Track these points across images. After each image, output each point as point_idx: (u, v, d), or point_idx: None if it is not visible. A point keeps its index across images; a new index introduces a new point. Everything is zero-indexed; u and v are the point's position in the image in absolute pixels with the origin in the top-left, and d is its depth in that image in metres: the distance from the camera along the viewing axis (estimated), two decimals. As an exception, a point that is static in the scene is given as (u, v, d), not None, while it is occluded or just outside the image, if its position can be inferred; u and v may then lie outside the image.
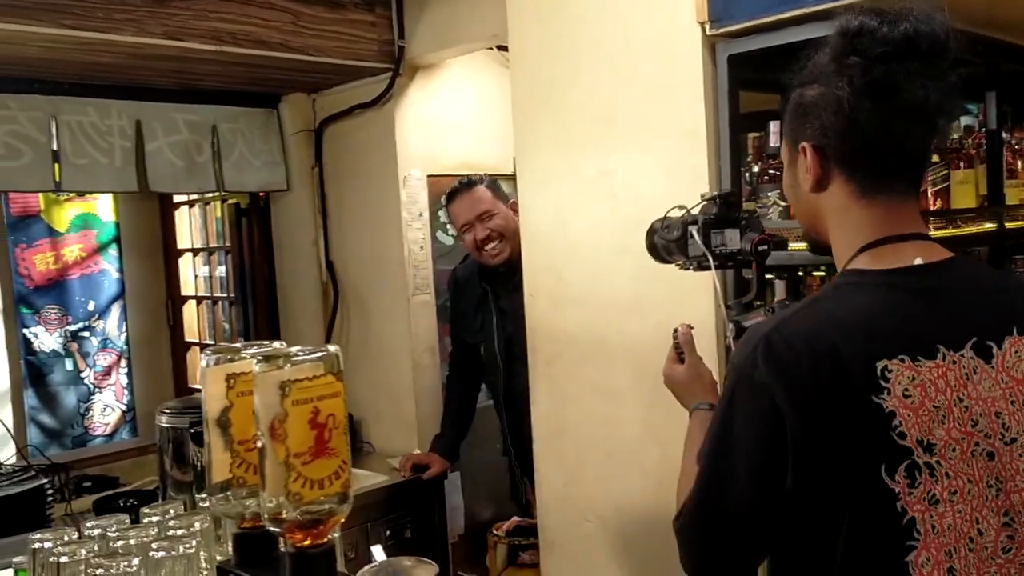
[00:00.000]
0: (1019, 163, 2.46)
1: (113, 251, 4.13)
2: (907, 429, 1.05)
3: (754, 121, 2.36)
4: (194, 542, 1.44)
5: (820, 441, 1.05)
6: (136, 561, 1.39)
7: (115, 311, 4.12)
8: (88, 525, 1.59)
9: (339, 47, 3.11)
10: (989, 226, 2.33)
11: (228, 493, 1.27)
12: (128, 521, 1.62)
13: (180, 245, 4.25)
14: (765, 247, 1.60)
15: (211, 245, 4.13)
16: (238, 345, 1.28)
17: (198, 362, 4.20)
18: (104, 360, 4.10)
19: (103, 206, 4.09)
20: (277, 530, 1.15)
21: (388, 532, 3.11)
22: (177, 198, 4.17)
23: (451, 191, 3.12)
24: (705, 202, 1.69)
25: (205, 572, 1.50)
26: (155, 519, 1.60)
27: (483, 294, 3.12)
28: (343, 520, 1.17)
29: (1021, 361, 1.13)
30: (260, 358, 1.14)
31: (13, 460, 3.18)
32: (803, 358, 1.07)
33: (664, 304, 2.39)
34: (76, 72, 3.02)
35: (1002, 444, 1.09)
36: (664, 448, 2.40)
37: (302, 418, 1.11)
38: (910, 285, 1.13)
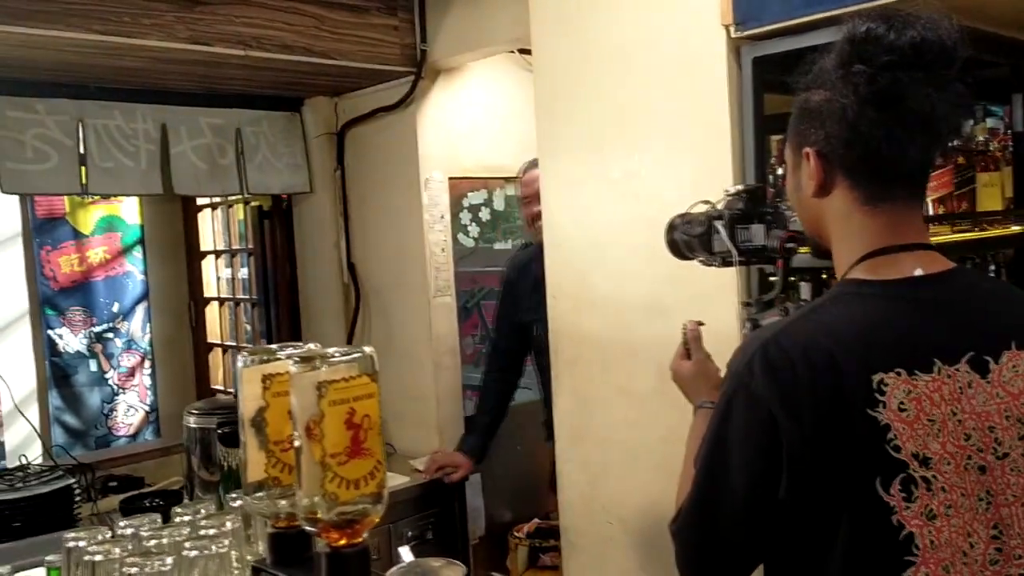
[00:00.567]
0: (1045, 165, 2.45)
1: (137, 253, 4.17)
2: (902, 443, 1.05)
3: (778, 123, 2.35)
4: (226, 541, 1.46)
5: (815, 453, 1.05)
6: (170, 560, 1.41)
7: (139, 312, 4.16)
8: (121, 524, 1.61)
9: (362, 51, 3.13)
10: (1015, 229, 2.32)
11: (263, 492, 1.28)
12: (160, 520, 1.64)
13: (203, 247, 4.28)
14: (792, 244, 1.59)
15: (234, 247, 4.16)
16: (274, 346, 1.29)
17: (220, 363, 4.27)
18: (128, 361, 4.13)
19: (127, 209, 4.13)
20: (313, 530, 1.16)
21: (410, 533, 3.12)
22: (200, 201, 4.20)
23: (532, 161, 3.11)
24: (730, 197, 1.67)
25: (237, 571, 1.51)
26: (187, 519, 1.62)
27: (542, 275, 3.12)
28: (378, 520, 1.18)
29: (1018, 376, 1.12)
30: (297, 359, 1.15)
31: (39, 460, 3.22)
32: (799, 369, 1.07)
33: (688, 306, 2.38)
34: (102, 76, 3.06)
35: (994, 458, 1.09)
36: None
37: (338, 418, 1.13)
38: (909, 297, 1.13)
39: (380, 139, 3.54)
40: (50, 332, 3.95)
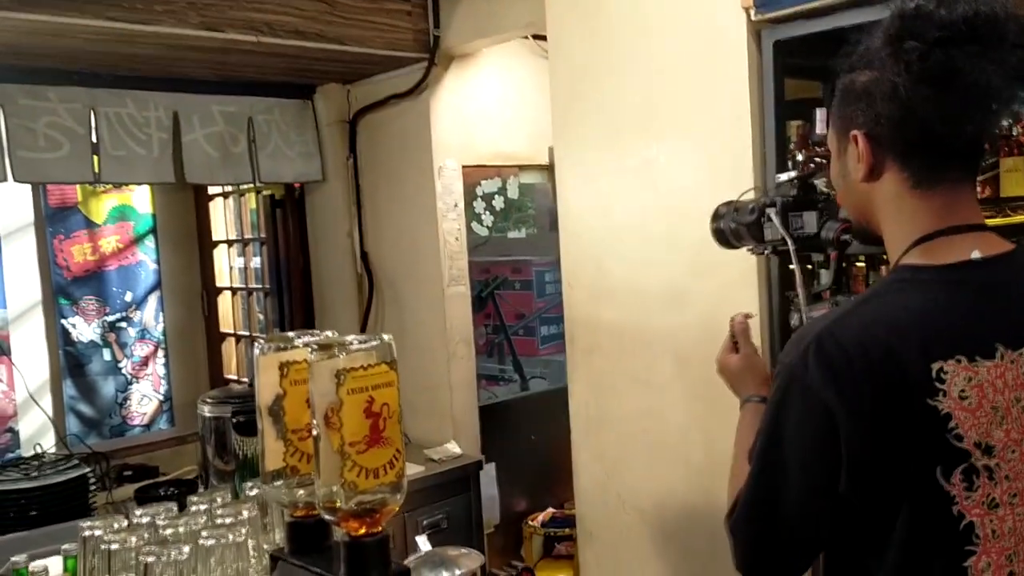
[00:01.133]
0: (1071, 150, 2.40)
1: (150, 242, 4.16)
2: (964, 431, 1.02)
3: (798, 109, 2.32)
4: (244, 530, 1.45)
5: (874, 445, 1.03)
6: (187, 549, 1.40)
7: (152, 302, 4.15)
8: (137, 513, 1.60)
9: (375, 37, 3.10)
10: (1042, 215, 2.28)
11: (281, 481, 1.26)
12: (176, 510, 1.63)
13: (215, 236, 4.27)
14: (848, 236, 1.56)
15: (246, 236, 4.15)
16: (291, 334, 1.28)
17: (233, 353, 4.26)
18: (141, 350, 4.13)
19: (140, 198, 4.12)
20: (332, 519, 1.14)
21: (424, 523, 3.11)
22: (212, 189, 4.19)
23: None
24: (783, 183, 1.64)
25: (254, 559, 1.50)
26: (203, 507, 1.61)
27: None
28: (397, 509, 1.16)
29: None
30: (315, 347, 1.13)
31: (54, 449, 3.22)
32: (855, 361, 1.04)
33: (706, 295, 2.36)
34: (115, 64, 3.04)
35: None
36: (708, 441, 2.38)
37: (357, 407, 1.11)
38: (967, 281, 1.09)
39: (393, 127, 3.52)
40: (64, 321, 3.95)
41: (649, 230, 2.49)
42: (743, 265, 2.26)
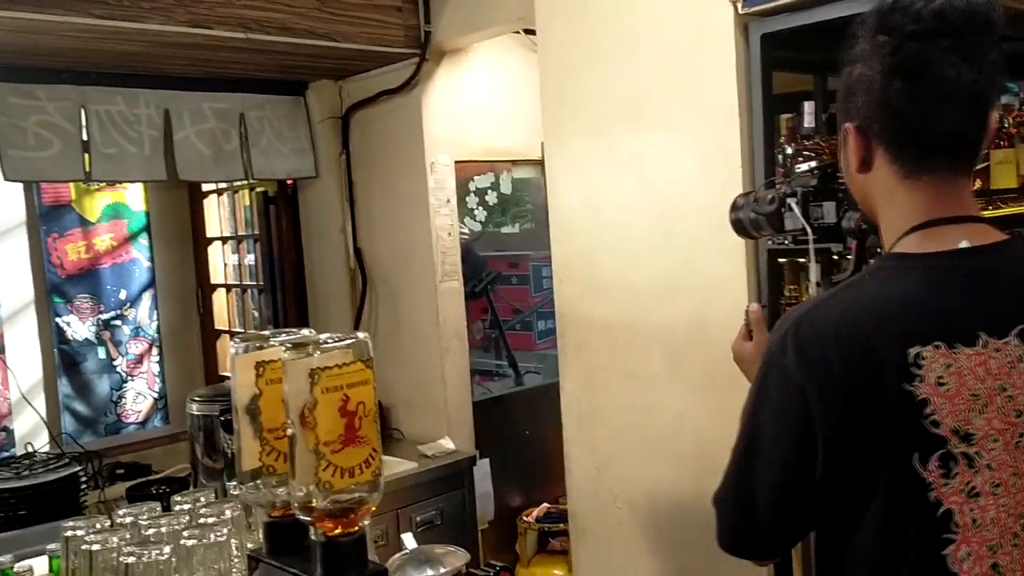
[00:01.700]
0: (1062, 142, 2.39)
1: (143, 240, 4.15)
2: (941, 418, 1.02)
3: (787, 102, 2.31)
4: (225, 530, 1.45)
5: (848, 430, 1.03)
6: (168, 549, 1.39)
7: (146, 300, 4.15)
8: (120, 513, 1.59)
9: (365, 33, 3.09)
10: (1031, 207, 2.27)
11: (258, 481, 1.26)
12: (159, 509, 1.63)
13: (209, 233, 4.26)
14: (868, 226, 1.55)
15: (240, 233, 4.14)
16: (267, 332, 1.27)
17: (228, 350, 4.25)
18: (136, 348, 4.13)
19: (133, 195, 4.11)
20: (307, 519, 1.14)
21: (418, 519, 3.11)
22: (206, 187, 4.18)
23: None
24: (802, 173, 1.64)
25: (236, 560, 1.50)
26: (186, 507, 1.60)
27: None
28: (374, 509, 1.16)
29: None
30: (289, 345, 1.13)
31: (47, 448, 3.22)
32: (830, 345, 1.05)
33: (698, 289, 2.35)
34: (104, 61, 3.03)
35: None
36: (699, 435, 2.37)
37: (332, 406, 1.10)
38: (952, 269, 1.08)
39: (385, 122, 3.51)
40: (58, 320, 3.94)
41: (639, 224, 2.48)
42: (733, 257, 2.26)
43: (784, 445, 1.09)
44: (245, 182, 3.81)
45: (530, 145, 3.67)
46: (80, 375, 3.99)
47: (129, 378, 4.10)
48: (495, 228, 4.04)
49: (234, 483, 1.67)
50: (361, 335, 1.15)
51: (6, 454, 3.44)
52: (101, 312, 4.04)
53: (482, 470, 3.46)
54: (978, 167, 2.19)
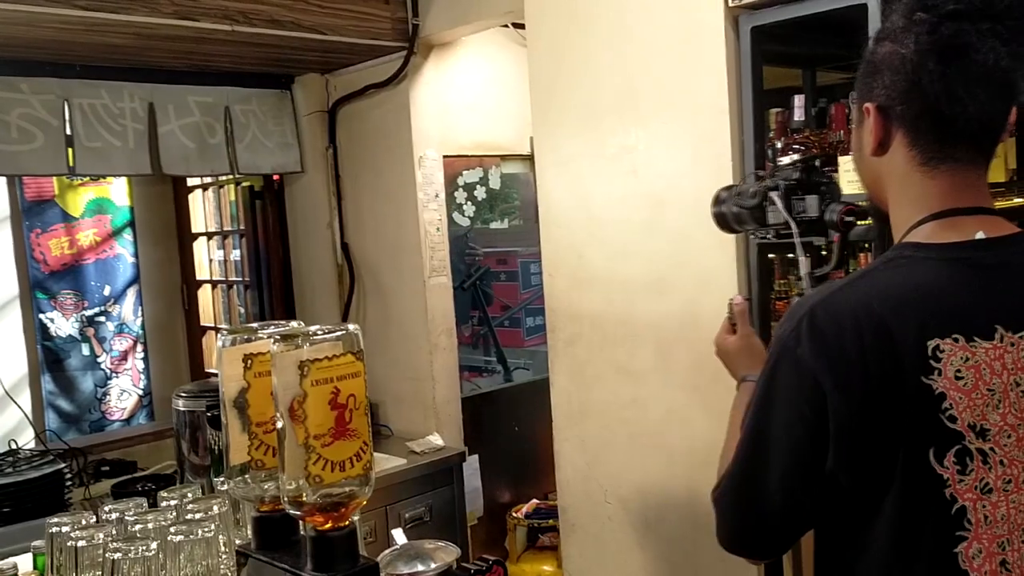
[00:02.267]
0: (1051, 136, 2.40)
1: (128, 236, 4.12)
2: (958, 413, 1.00)
3: (776, 98, 2.31)
4: (213, 526, 1.43)
5: (864, 422, 1.00)
6: (154, 545, 1.37)
7: (131, 296, 4.11)
8: (106, 509, 1.57)
9: (352, 26, 3.07)
10: (1019, 201, 2.27)
11: (246, 476, 1.24)
12: (146, 505, 1.61)
13: (195, 229, 4.23)
14: (852, 218, 1.54)
15: (225, 229, 4.11)
16: (255, 325, 1.25)
17: (214, 346, 4.22)
18: (120, 345, 4.10)
19: (117, 191, 4.08)
20: (297, 513, 1.12)
21: (407, 515, 3.10)
22: (191, 182, 4.15)
23: None
24: (785, 167, 1.62)
25: (224, 556, 1.48)
26: (173, 503, 1.58)
27: None
28: (365, 502, 1.14)
29: None
30: (278, 337, 1.11)
31: (32, 445, 3.18)
32: (848, 335, 1.01)
33: (688, 283, 2.35)
34: (88, 54, 2.99)
35: None
36: (689, 430, 2.37)
37: (322, 399, 1.08)
38: (969, 260, 1.06)
39: (372, 117, 3.48)
40: (41, 316, 3.91)
41: (629, 218, 2.47)
42: (724, 251, 2.25)
43: (796, 436, 1.05)
44: (230, 177, 3.78)
45: (519, 140, 3.66)
46: (64, 372, 3.96)
47: (114, 375, 4.07)
48: (483, 224, 4.03)
49: (221, 479, 1.65)
50: (351, 327, 1.13)
51: (-11, 452, 3.40)
52: (85, 308, 4.01)
53: (471, 466, 3.45)
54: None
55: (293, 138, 3.62)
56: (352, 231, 3.65)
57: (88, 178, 3.87)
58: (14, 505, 2.49)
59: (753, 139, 2.22)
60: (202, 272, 4.24)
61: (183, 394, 2.26)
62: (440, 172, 3.43)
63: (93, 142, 3.09)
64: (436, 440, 3.33)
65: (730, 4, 2.18)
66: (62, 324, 3.95)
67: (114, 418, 4.07)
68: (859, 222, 1.60)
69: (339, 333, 1.12)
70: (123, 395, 4.09)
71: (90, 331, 4.01)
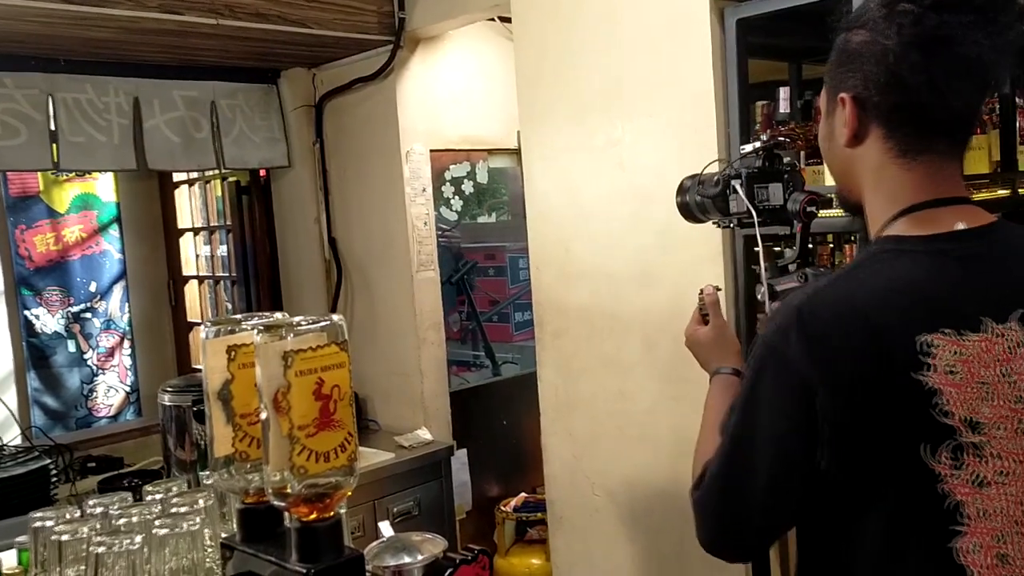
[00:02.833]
0: (1033, 128, 2.42)
1: (114, 231, 4.10)
2: (952, 408, 0.98)
3: (762, 90, 2.32)
4: (198, 519, 1.42)
5: (856, 420, 0.99)
6: (139, 539, 1.36)
7: (117, 292, 4.09)
8: (90, 503, 1.56)
9: (338, 19, 3.06)
10: (1003, 192, 2.29)
11: (231, 468, 1.23)
12: (131, 499, 1.60)
13: (181, 224, 4.21)
14: (814, 208, 1.52)
15: (212, 224, 4.10)
16: (239, 316, 1.24)
17: (200, 340, 4.20)
18: (107, 341, 4.08)
19: (103, 186, 4.06)
20: (282, 505, 1.12)
21: (395, 510, 3.10)
22: (177, 177, 4.13)
23: None
24: (746, 155, 1.60)
25: (210, 549, 1.47)
26: (158, 496, 1.58)
27: None
28: (350, 494, 1.14)
29: None
30: (262, 328, 1.11)
31: (17, 442, 3.16)
32: (836, 333, 1.00)
33: (674, 275, 2.35)
34: (73, 48, 2.97)
35: None
36: (676, 422, 2.38)
37: (306, 389, 1.08)
38: (951, 252, 1.05)
39: (359, 111, 3.48)
40: (27, 313, 3.88)
41: (616, 210, 2.48)
42: (710, 243, 2.26)
43: (783, 437, 1.04)
44: (217, 172, 3.77)
45: (506, 134, 3.65)
46: (50, 369, 3.94)
47: (100, 371, 4.05)
48: (471, 219, 4.03)
49: (207, 474, 1.64)
50: (335, 317, 1.13)
51: (-25, 449, 3.37)
52: (71, 305, 3.99)
53: (460, 460, 3.45)
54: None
55: (280, 132, 3.61)
56: (339, 226, 3.64)
57: (73, 174, 3.85)
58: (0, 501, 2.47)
59: (739, 132, 2.23)
60: (189, 268, 4.23)
61: (169, 389, 2.25)
62: (427, 166, 3.43)
63: (77, 137, 3.07)
64: (424, 434, 3.34)
65: (715, -3, 2.18)
66: (48, 320, 3.92)
67: (101, 415, 4.05)
68: (820, 212, 1.58)
69: (323, 323, 1.11)
70: (110, 392, 4.07)
71: (76, 327, 3.99)
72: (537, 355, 2.77)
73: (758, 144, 1.61)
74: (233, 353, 1.20)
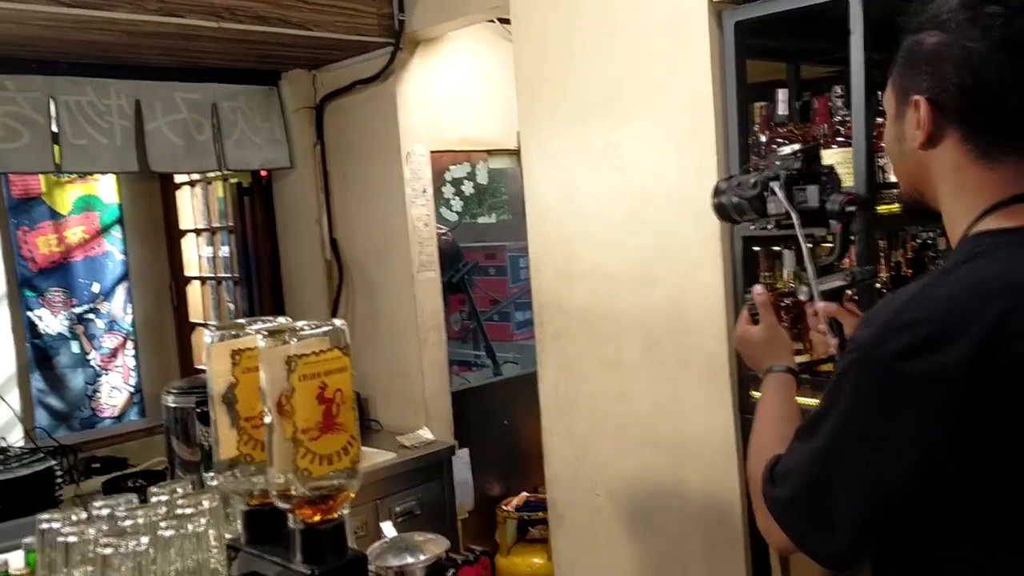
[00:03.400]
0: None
1: (116, 233, 4.11)
2: None
3: (761, 92, 2.33)
4: (203, 520, 1.44)
5: (977, 421, 0.93)
6: (145, 540, 1.38)
7: (120, 293, 4.11)
8: (96, 505, 1.58)
9: (339, 21, 3.07)
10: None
11: (236, 470, 1.25)
12: (136, 501, 1.62)
13: (183, 226, 4.22)
14: (854, 208, 1.53)
15: (214, 225, 4.11)
16: (243, 321, 1.26)
17: (204, 341, 4.21)
18: (110, 342, 4.09)
19: (105, 188, 4.07)
20: (286, 506, 1.14)
21: (397, 509, 3.11)
22: (179, 178, 4.14)
23: None
24: (785, 157, 1.61)
25: (215, 550, 1.49)
26: (163, 498, 1.59)
27: None
28: (353, 495, 1.16)
29: None
30: (265, 333, 1.12)
31: (21, 443, 3.18)
32: (943, 332, 0.94)
33: (674, 276, 2.37)
34: (74, 51, 2.99)
35: None
36: (676, 422, 2.39)
37: (309, 393, 1.10)
38: None
39: (360, 112, 3.49)
40: (30, 314, 3.89)
41: (615, 212, 2.49)
42: (708, 245, 2.27)
43: (883, 447, 0.98)
44: (218, 173, 3.78)
45: (506, 135, 3.67)
46: (53, 370, 3.95)
47: (104, 372, 4.07)
48: (472, 219, 4.04)
49: (211, 474, 1.66)
50: (338, 322, 1.15)
51: (-21, 450, 3.39)
52: (74, 306, 4.00)
53: (461, 460, 3.47)
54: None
55: (281, 134, 3.62)
56: (340, 227, 3.66)
57: (75, 175, 3.86)
58: (5, 503, 2.50)
59: (737, 133, 2.24)
60: (191, 269, 4.24)
61: (173, 391, 2.27)
62: (427, 167, 3.44)
63: (79, 139, 3.08)
64: (426, 434, 3.35)
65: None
66: (51, 322, 3.94)
67: (105, 415, 4.07)
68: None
69: (326, 328, 1.13)
70: (113, 392, 4.09)
71: (79, 328, 4.01)
72: (537, 356, 2.78)
73: (798, 146, 1.61)
74: (237, 357, 1.22)
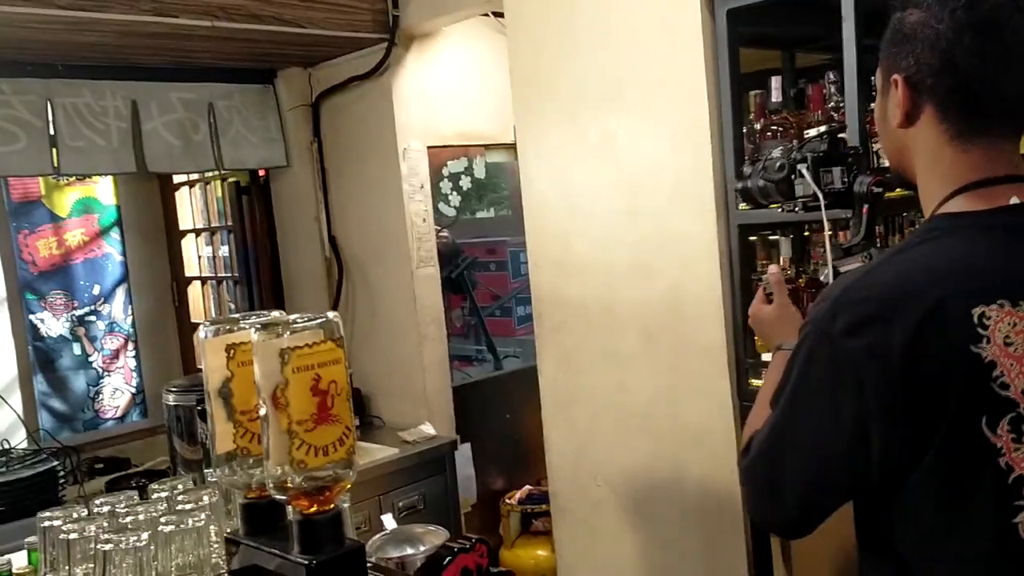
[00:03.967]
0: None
1: (115, 234, 4.12)
2: (1010, 379, 0.97)
3: (757, 80, 2.33)
4: (203, 516, 1.44)
5: (908, 395, 0.97)
6: (145, 536, 1.39)
7: (120, 294, 4.12)
8: (97, 502, 1.59)
9: (333, 18, 3.07)
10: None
11: (233, 464, 1.26)
12: (137, 498, 1.63)
13: (182, 226, 4.23)
14: (880, 189, 1.52)
15: (213, 225, 4.12)
16: (237, 316, 1.27)
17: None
18: (111, 344, 4.10)
19: (104, 190, 4.08)
20: (283, 498, 1.14)
21: (400, 504, 3.12)
22: (177, 179, 4.15)
23: None
24: (812, 139, 1.61)
25: (215, 545, 1.50)
26: (163, 494, 1.60)
27: None
28: (349, 486, 1.16)
29: None
30: (259, 327, 1.13)
31: (24, 445, 3.19)
32: (887, 310, 0.98)
33: (671, 268, 2.37)
34: (69, 53, 3.00)
35: None
36: (675, 412, 2.40)
37: (303, 385, 1.10)
38: (1007, 225, 1.04)
39: (356, 109, 3.49)
40: (32, 317, 3.91)
41: (612, 204, 2.49)
42: (705, 236, 2.28)
43: (830, 414, 1.02)
44: (216, 173, 3.79)
45: (503, 129, 3.67)
46: (56, 372, 3.96)
47: (106, 374, 4.08)
48: (471, 214, 4.04)
49: (211, 470, 1.66)
50: (331, 314, 1.15)
51: (-17, 452, 3.41)
52: (75, 308, 4.01)
53: (464, 454, 3.47)
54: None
55: (277, 132, 3.63)
56: (339, 224, 3.66)
57: (74, 178, 3.87)
58: (8, 503, 2.51)
59: (732, 121, 2.24)
60: (191, 269, 4.25)
61: (173, 389, 2.27)
62: (425, 163, 3.45)
63: (77, 141, 3.09)
64: (428, 429, 3.36)
65: (705, -12, 2.19)
66: (52, 324, 3.95)
67: (107, 416, 4.08)
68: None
69: (319, 320, 1.13)
70: (116, 393, 4.10)
71: (81, 330, 4.02)
72: (537, 349, 2.79)
73: (823, 129, 1.62)
74: (232, 351, 1.22)
